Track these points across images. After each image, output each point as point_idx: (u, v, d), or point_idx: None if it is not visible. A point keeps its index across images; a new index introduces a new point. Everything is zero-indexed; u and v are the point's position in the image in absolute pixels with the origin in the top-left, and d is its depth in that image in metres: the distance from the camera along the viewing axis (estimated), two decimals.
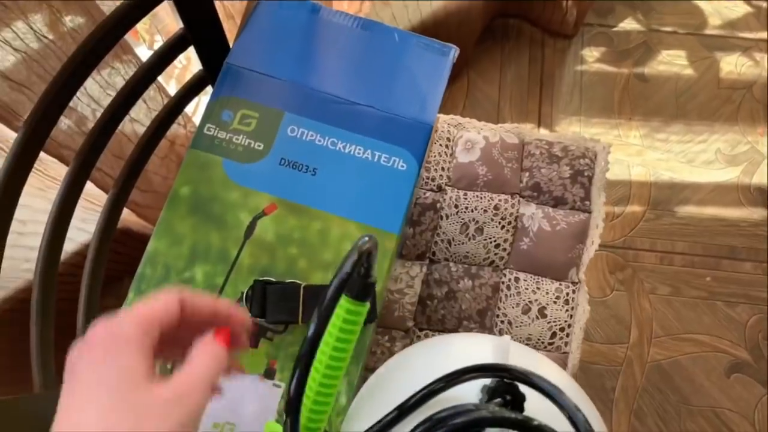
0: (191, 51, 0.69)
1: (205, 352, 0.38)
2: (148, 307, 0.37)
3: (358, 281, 0.42)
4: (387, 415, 0.45)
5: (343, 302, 0.42)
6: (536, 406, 0.43)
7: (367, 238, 0.38)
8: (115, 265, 0.77)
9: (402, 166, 0.59)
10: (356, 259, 0.38)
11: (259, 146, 0.59)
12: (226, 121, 0.60)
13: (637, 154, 1.53)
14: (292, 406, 0.38)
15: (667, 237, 1.45)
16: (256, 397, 0.54)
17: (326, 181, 0.58)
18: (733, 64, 1.61)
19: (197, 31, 0.65)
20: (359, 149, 0.59)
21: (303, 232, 0.57)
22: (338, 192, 0.58)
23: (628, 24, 1.66)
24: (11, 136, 0.70)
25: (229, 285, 0.56)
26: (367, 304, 0.43)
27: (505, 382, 0.44)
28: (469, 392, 0.46)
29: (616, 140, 1.54)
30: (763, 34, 1.65)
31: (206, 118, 0.60)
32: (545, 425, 0.39)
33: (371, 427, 0.45)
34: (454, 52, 0.63)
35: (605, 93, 1.60)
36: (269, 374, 0.55)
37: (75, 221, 0.67)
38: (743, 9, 1.67)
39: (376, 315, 0.57)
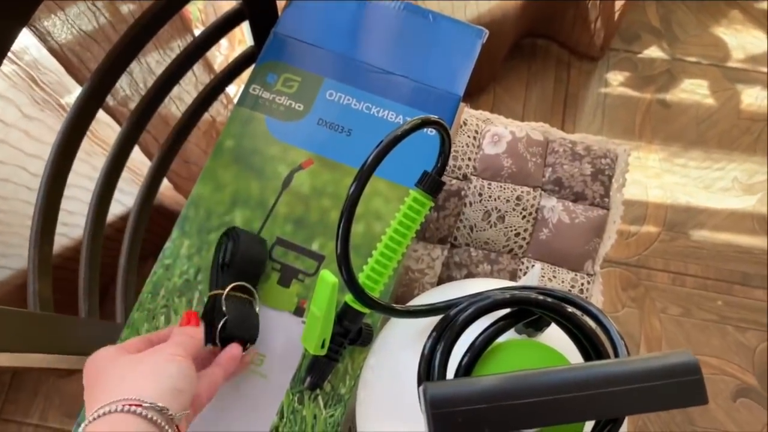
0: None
1: None
2: None
3: (431, 177, 0.47)
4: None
5: (413, 191, 0.48)
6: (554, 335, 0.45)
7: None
8: (143, 244, 0.80)
9: (431, 132, 0.62)
10: (409, 128, 0.41)
11: (299, 107, 0.63)
12: (270, 83, 0.64)
13: (656, 177, 1.56)
14: (341, 258, 0.40)
15: (681, 258, 1.47)
16: (285, 332, 0.57)
17: (360, 141, 0.62)
18: (754, 97, 1.64)
19: (253, 5, 0.70)
20: (392, 114, 0.63)
21: (336, 187, 0.61)
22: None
23: (653, 52, 1.69)
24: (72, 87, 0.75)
25: (266, 230, 0.60)
26: (432, 201, 0.48)
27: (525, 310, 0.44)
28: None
29: (635, 161, 1.57)
30: None
31: (252, 80, 0.65)
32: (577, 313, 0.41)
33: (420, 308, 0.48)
34: (484, 33, 0.67)
35: (627, 116, 1.63)
36: (299, 312, 0.58)
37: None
38: (766, 45, 1.70)
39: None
